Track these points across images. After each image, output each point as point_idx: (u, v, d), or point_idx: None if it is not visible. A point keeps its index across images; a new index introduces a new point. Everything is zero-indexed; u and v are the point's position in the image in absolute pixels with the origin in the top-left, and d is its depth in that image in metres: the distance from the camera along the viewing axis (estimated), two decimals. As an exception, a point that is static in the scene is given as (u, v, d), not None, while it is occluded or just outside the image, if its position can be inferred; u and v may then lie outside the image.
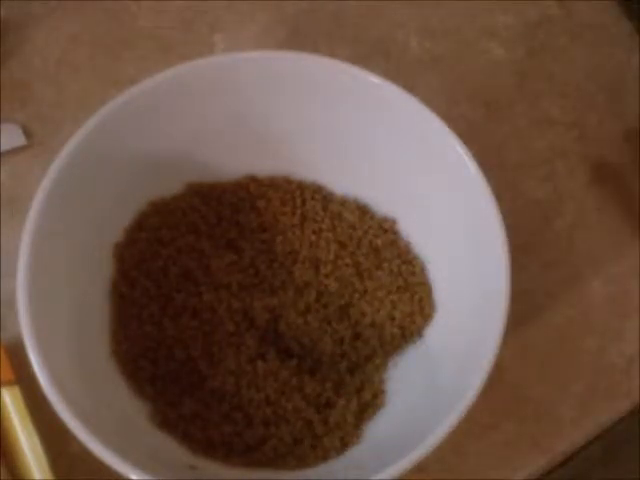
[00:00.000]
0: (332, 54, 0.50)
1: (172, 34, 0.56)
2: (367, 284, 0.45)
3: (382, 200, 0.47)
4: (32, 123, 0.53)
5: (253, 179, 0.48)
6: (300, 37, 0.57)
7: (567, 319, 0.49)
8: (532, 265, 0.50)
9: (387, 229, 0.47)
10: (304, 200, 0.47)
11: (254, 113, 0.46)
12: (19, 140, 0.52)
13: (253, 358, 0.43)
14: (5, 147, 0.51)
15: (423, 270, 0.45)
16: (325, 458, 0.42)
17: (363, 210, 0.47)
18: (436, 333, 0.44)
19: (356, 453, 0.42)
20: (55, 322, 0.39)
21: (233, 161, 0.47)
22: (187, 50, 0.54)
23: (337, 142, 0.47)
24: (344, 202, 0.48)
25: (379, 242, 0.46)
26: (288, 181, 0.48)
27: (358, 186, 0.48)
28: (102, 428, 0.37)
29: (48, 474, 0.41)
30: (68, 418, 0.36)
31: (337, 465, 0.41)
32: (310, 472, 0.41)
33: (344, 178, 0.48)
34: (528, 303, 0.48)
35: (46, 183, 0.41)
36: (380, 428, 0.42)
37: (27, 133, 0.52)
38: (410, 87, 0.44)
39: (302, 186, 0.48)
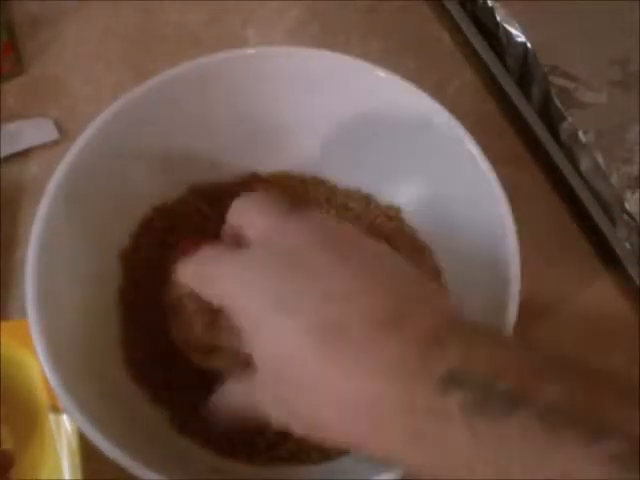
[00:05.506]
0: (364, 49, 0.50)
1: (204, 29, 0.56)
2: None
3: (385, 191, 0.47)
4: (65, 117, 0.53)
5: (255, 177, 0.47)
6: (332, 32, 0.57)
7: (569, 319, 0.48)
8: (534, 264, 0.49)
9: (393, 216, 0.47)
10: (308, 193, 0.47)
11: (255, 110, 0.46)
12: (52, 134, 0.52)
13: (267, 354, 0.43)
14: (38, 141, 0.51)
15: (432, 256, 0.45)
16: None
17: (367, 199, 0.47)
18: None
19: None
20: (68, 338, 0.39)
21: (235, 160, 0.47)
22: (219, 45, 0.53)
23: (339, 135, 0.46)
24: (348, 193, 0.47)
25: (387, 230, 0.46)
26: (291, 176, 0.48)
27: (361, 178, 0.47)
28: (122, 437, 0.37)
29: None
30: (90, 433, 0.36)
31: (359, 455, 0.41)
32: (334, 464, 0.41)
33: (347, 171, 0.47)
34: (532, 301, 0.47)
35: (50, 189, 0.41)
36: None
37: (59, 127, 0.52)
38: (443, 82, 0.43)
39: (305, 180, 0.48)
